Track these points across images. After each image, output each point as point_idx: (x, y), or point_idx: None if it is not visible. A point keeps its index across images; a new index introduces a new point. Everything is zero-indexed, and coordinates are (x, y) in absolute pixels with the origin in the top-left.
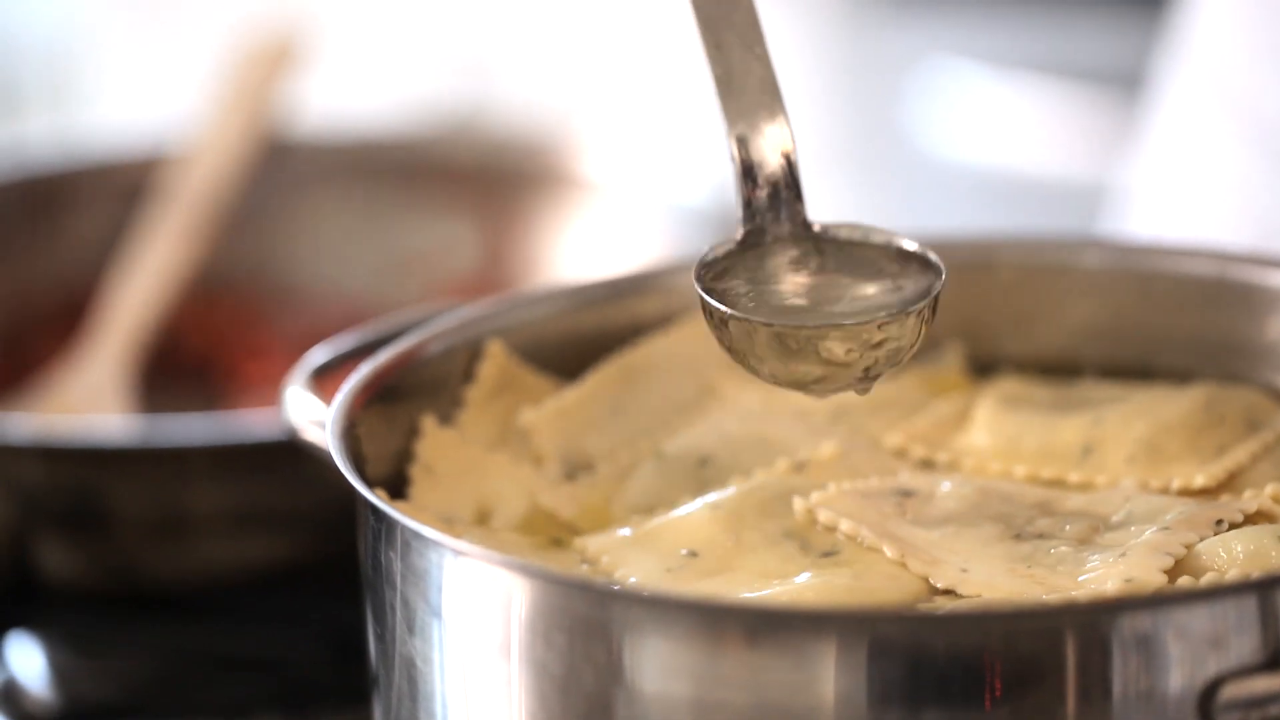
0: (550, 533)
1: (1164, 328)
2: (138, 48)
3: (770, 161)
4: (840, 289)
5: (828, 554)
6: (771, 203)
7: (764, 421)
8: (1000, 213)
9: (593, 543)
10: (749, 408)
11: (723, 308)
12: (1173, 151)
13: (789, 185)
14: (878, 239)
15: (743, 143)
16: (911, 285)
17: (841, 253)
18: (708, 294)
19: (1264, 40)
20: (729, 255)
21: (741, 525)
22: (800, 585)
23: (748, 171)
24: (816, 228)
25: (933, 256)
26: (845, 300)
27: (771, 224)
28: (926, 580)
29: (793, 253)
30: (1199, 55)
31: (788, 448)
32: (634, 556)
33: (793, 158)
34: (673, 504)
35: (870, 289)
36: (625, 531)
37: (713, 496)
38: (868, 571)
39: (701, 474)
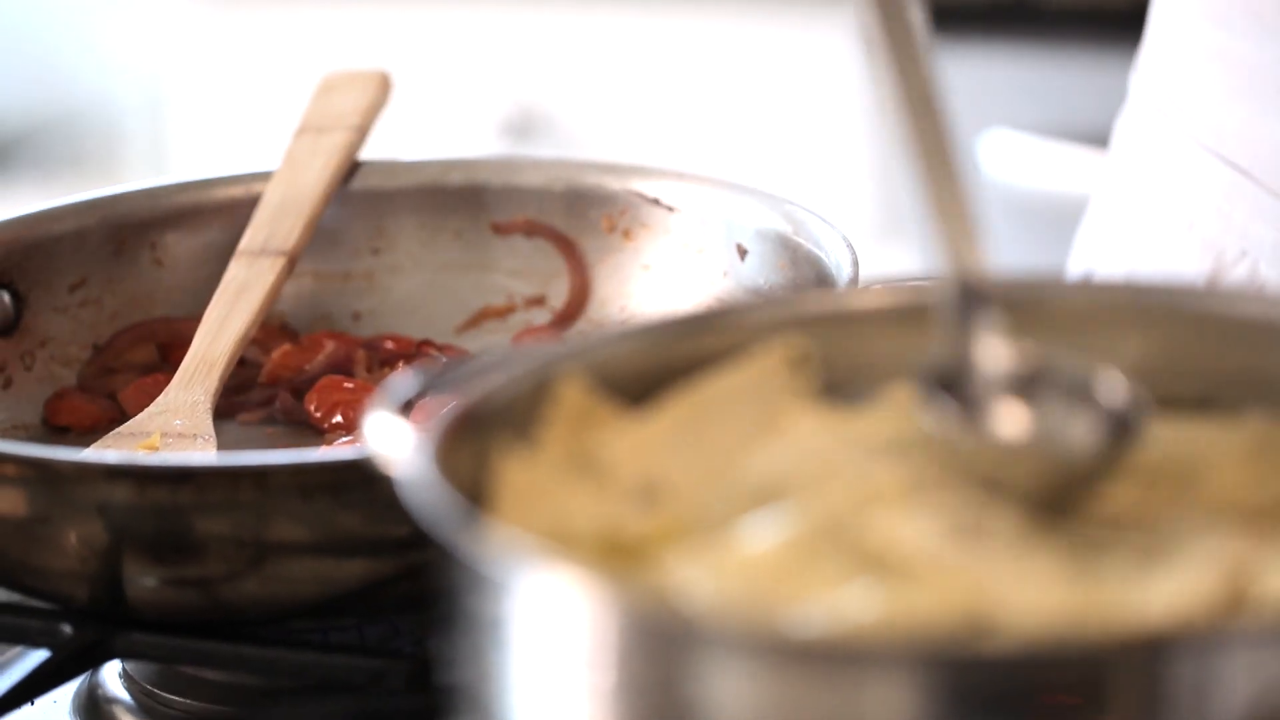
0: (623, 558)
1: (1217, 365)
2: (232, 110)
3: None
4: None
5: (889, 578)
6: None
7: (830, 450)
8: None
9: (664, 568)
10: (815, 438)
11: None
12: (1136, 176)
13: None
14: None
15: None
16: None
17: None
18: None
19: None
20: None
21: (806, 551)
22: (863, 610)
23: None
24: None
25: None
26: None
27: None
28: (986, 603)
29: None
30: (1168, 83)
31: (852, 475)
32: (702, 581)
33: None
34: (741, 530)
35: None
36: (694, 557)
37: (779, 522)
38: (929, 595)
39: (769, 501)
